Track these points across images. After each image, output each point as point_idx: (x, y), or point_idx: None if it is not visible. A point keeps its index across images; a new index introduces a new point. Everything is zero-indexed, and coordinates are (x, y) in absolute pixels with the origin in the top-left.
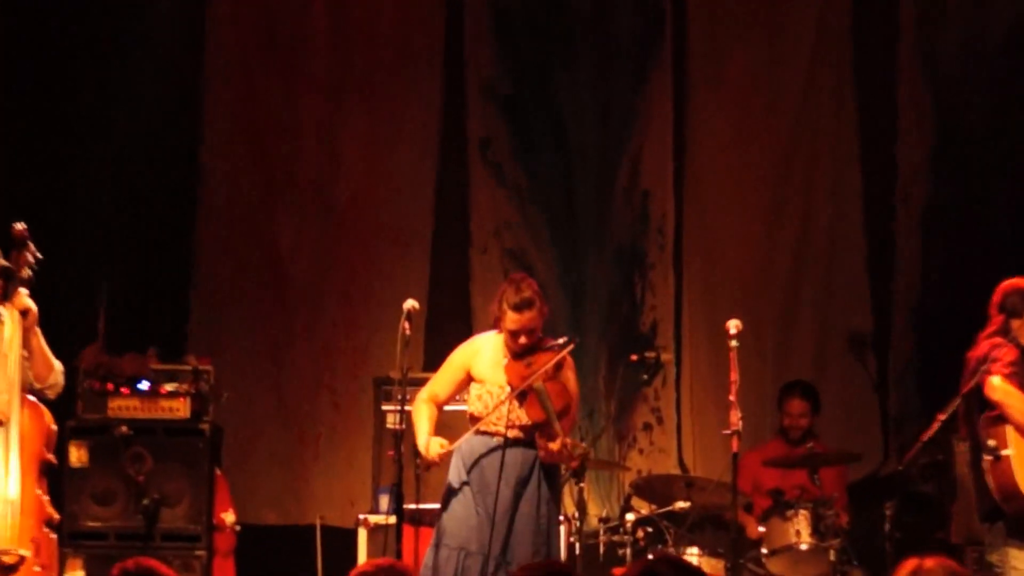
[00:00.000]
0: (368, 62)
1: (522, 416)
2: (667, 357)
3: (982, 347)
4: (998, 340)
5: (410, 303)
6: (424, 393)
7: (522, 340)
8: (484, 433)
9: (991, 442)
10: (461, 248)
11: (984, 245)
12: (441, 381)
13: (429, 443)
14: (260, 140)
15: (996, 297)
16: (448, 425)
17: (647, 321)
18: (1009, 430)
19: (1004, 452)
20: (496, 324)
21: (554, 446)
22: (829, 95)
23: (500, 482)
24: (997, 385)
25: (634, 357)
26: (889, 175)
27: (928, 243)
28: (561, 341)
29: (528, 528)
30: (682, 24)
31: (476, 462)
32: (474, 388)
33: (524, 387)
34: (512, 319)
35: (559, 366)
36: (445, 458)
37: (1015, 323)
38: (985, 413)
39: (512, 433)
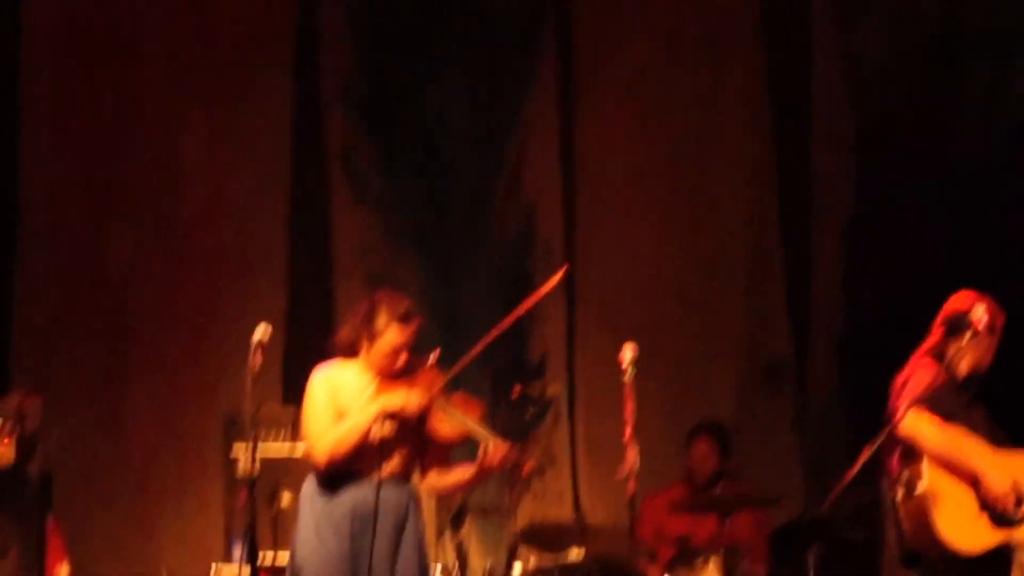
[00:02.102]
0: (209, 68)
1: (405, 450)
2: (555, 390)
3: (907, 369)
4: (924, 361)
5: (261, 330)
6: (318, 438)
7: (404, 358)
8: (350, 471)
9: (905, 474)
10: (323, 274)
11: (916, 260)
12: (325, 420)
13: (399, 394)
14: (88, 154)
15: (943, 310)
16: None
17: (536, 351)
18: (925, 464)
19: (919, 487)
20: (354, 347)
21: (500, 449)
22: (738, 99)
23: (377, 522)
24: (907, 417)
25: (517, 389)
26: (805, 187)
27: (851, 260)
28: (432, 355)
29: (410, 570)
30: (566, 23)
31: (344, 501)
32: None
33: (426, 406)
34: (399, 332)
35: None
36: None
37: (952, 346)
38: (901, 446)
39: (388, 468)
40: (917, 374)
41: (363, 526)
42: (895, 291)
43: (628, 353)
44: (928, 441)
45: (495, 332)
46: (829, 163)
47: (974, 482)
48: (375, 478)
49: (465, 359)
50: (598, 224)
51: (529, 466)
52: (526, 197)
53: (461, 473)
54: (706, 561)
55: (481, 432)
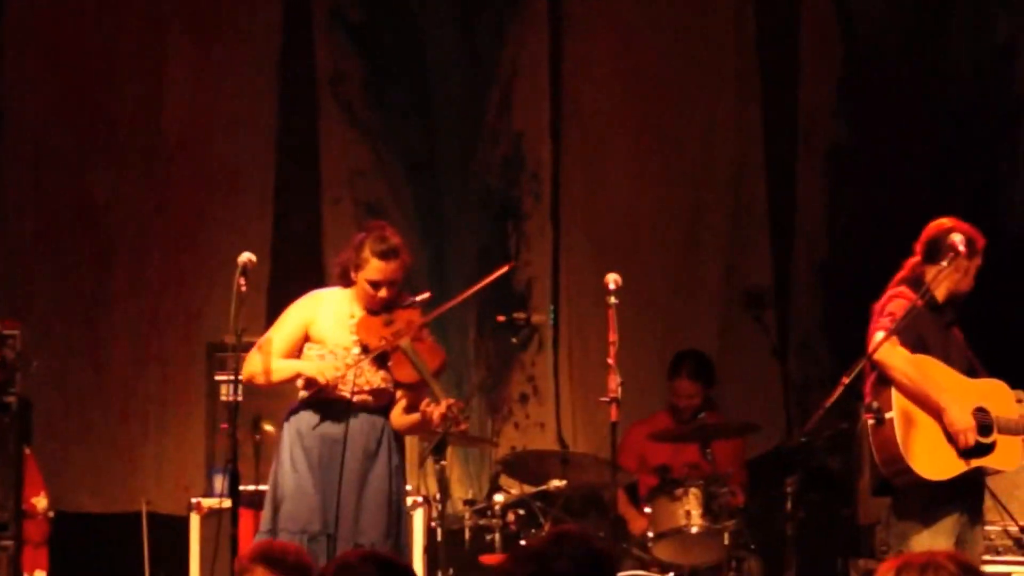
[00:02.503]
0: None
1: (373, 380)
2: (540, 319)
3: (883, 297)
4: (899, 290)
5: (246, 256)
6: (262, 354)
7: (383, 293)
8: (324, 400)
9: (875, 404)
10: (310, 199)
11: (897, 191)
12: (277, 340)
13: (319, 364)
14: (70, 75)
15: (921, 235)
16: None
17: (522, 279)
18: (894, 392)
19: (887, 415)
20: (345, 276)
21: (438, 409)
22: (725, 26)
23: (346, 454)
24: (876, 343)
25: (501, 318)
26: (793, 116)
27: (834, 189)
28: (423, 297)
29: (379, 505)
30: None
31: (315, 432)
32: (311, 350)
33: (387, 346)
34: (376, 268)
35: (426, 324)
36: (340, 377)
37: (930, 270)
38: (875, 373)
39: (359, 398)
40: (891, 303)
41: (331, 454)
42: (878, 219)
43: (611, 282)
44: (896, 372)
45: (458, 299)
46: (815, 91)
47: (939, 414)
48: (347, 408)
49: (436, 312)
50: (584, 152)
51: (465, 427)
52: (515, 124)
53: (414, 418)
54: (686, 490)
55: (430, 385)
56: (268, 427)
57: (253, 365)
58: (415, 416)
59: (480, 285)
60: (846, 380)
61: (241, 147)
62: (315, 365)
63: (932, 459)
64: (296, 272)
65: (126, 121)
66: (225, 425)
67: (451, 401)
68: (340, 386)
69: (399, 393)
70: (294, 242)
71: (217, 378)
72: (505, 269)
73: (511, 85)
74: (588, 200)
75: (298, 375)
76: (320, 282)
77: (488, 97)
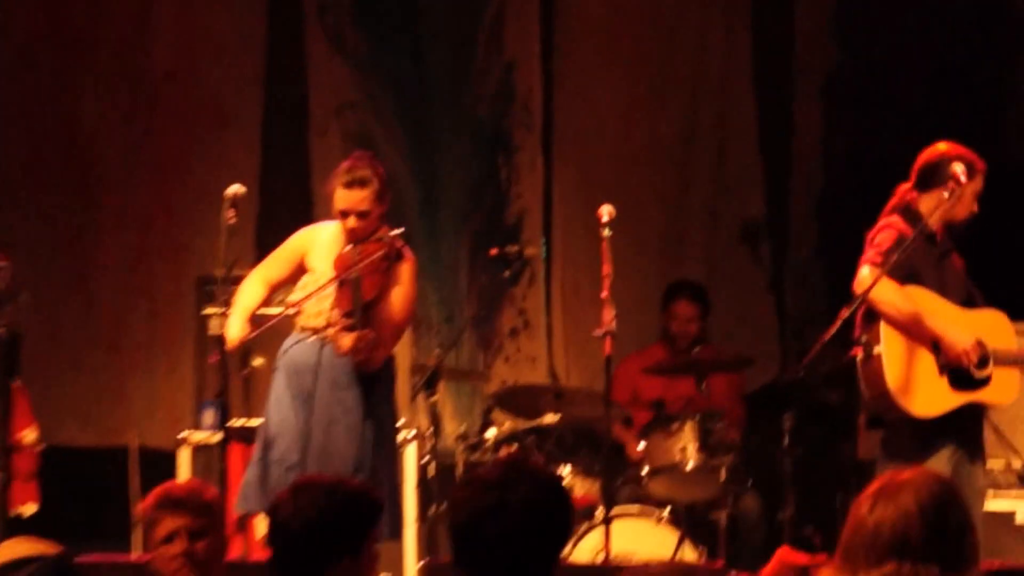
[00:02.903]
0: None
1: (343, 304)
2: (532, 252)
3: (874, 228)
4: (890, 220)
5: (235, 188)
6: (254, 273)
7: (351, 223)
8: (304, 330)
9: (863, 337)
10: (298, 130)
11: (897, 116)
12: (274, 262)
13: (232, 323)
14: (56, 8)
15: (916, 161)
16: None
17: (513, 212)
18: (883, 325)
19: (876, 349)
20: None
21: (344, 342)
22: None
23: (316, 384)
24: (863, 276)
25: (494, 252)
26: (786, 42)
27: (831, 118)
28: (396, 232)
29: (346, 439)
30: None
31: (292, 362)
32: (303, 280)
33: (343, 276)
34: (340, 197)
35: (391, 258)
36: (244, 342)
37: (924, 198)
38: (864, 306)
39: (332, 331)
40: (880, 234)
41: (303, 385)
42: (877, 146)
43: (605, 213)
44: (884, 305)
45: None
46: (811, 13)
47: (934, 345)
48: (319, 338)
49: (376, 254)
50: (575, 82)
51: (361, 356)
52: (505, 54)
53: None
54: (682, 425)
55: (353, 318)
56: (257, 361)
57: (242, 285)
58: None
59: (378, 253)
60: (845, 313)
61: (229, 77)
62: (230, 326)
63: (923, 394)
64: (285, 204)
65: (112, 50)
66: (214, 358)
67: (359, 334)
68: (315, 316)
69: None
70: (283, 174)
71: (206, 311)
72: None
73: (502, 14)
74: (579, 131)
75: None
76: (308, 214)
77: (478, 27)
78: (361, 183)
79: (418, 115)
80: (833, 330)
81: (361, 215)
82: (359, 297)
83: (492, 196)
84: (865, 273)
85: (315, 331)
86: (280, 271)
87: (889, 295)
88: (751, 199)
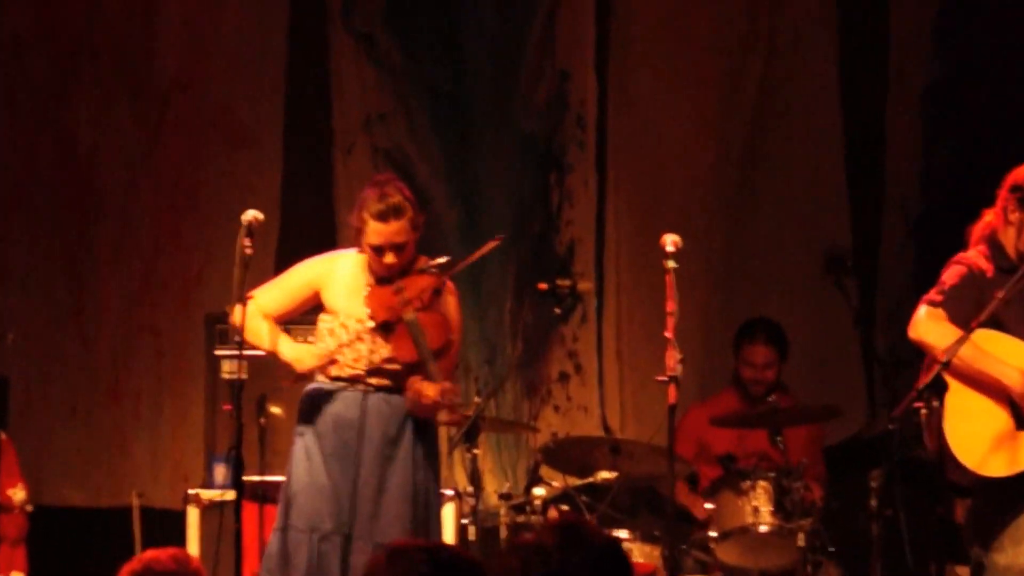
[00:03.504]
0: None
1: (385, 353)
2: (586, 286)
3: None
4: (963, 254)
5: (252, 214)
6: (251, 305)
7: (388, 259)
8: (337, 379)
9: (926, 390)
10: (322, 147)
11: (1003, 133)
12: (278, 293)
13: (299, 349)
14: (52, 8)
15: (1006, 180)
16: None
17: (564, 239)
18: (947, 374)
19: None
20: (357, 240)
21: (429, 392)
22: None
23: (363, 441)
24: (918, 317)
25: (543, 286)
26: (879, 47)
27: (930, 132)
28: (440, 261)
29: (401, 500)
30: None
31: (327, 417)
32: (323, 322)
33: (391, 318)
34: (374, 231)
35: (438, 291)
36: (324, 365)
37: (1006, 226)
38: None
39: (375, 380)
40: (948, 270)
41: (346, 441)
42: (981, 167)
43: (669, 243)
44: (940, 351)
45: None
46: (909, 20)
47: (1006, 396)
48: (361, 388)
49: (426, 290)
50: (631, 96)
51: (456, 418)
52: (558, 58)
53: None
54: (754, 483)
55: (426, 368)
56: (276, 409)
57: (237, 313)
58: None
59: (472, 259)
60: (943, 357)
61: (246, 88)
62: (296, 349)
63: (991, 451)
64: (307, 231)
65: (114, 57)
66: (227, 406)
67: (446, 385)
68: (352, 363)
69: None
70: (305, 197)
71: (218, 353)
72: (492, 245)
73: (554, 15)
74: (636, 150)
75: (272, 353)
76: (333, 241)
77: (528, 27)
78: (396, 213)
79: (458, 128)
80: (930, 377)
81: (399, 248)
82: (424, 342)
83: (541, 222)
84: (921, 314)
85: (353, 380)
86: (283, 305)
87: (943, 339)
88: (835, 225)
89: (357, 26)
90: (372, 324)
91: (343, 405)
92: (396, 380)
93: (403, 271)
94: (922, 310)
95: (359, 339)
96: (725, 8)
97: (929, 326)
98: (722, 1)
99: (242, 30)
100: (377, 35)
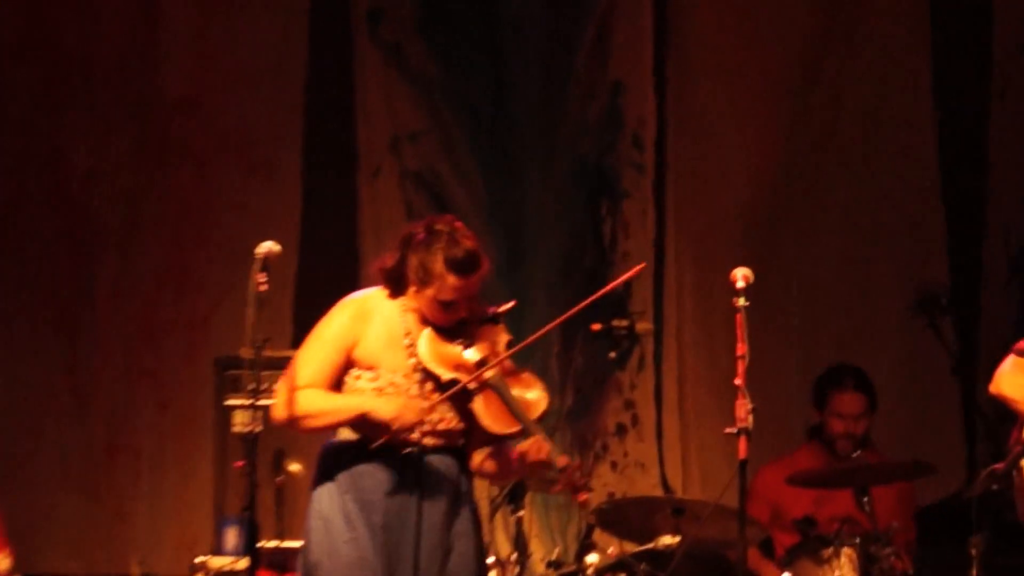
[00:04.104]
0: None
1: (448, 418)
2: (645, 327)
3: None
4: None
5: (267, 246)
6: (299, 394)
7: (460, 313)
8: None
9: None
10: (345, 171)
11: None
12: (314, 367)
13: (392, 402)
14: (44, 26)
15: None
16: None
17: (620, 275)
18: None
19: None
20: (401, 281)
21: (550, 472)
22: None
23: (422, 507)
24: (1001, 371)
25: (597, 327)
26: (980, 62)
27: None
28: (504, 308)
29: (466, 571)
30: None
31: (374, 484)
32: (360, 380)
33: (472, 382)
34: (451, 286)
35: (511, 344)
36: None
37: None
38: None
39: (429, 441)
40: None
41: (401, 512)
42: None
43: (740, 278)
44: (1020, 406)
45: (565, 316)
46: (1014, 31)
47: None
48: (414, 447)
49: (530, 338)
50: (693, 117)
51: (585, 497)
52: (611, 71)
53: (505, 465)
54: (837, 551)
55: (533, 436)
56: (294, 467)
57: (296, 400)
58: (508, 471)
59: (606, 290)
60: None
61: (261, 106)
62: (387, 404)
63: None
64: (330, 264)
65: (111, 75)
66: (239, 463)
67: (575, 462)
68: None
69: (476, 434)
70: (326, 228)
71: (229, 403)
72: (638, 270)
73: (607, 20)
74: (699, 176)
75: (361, 416)
76: (356, 278)
77: (579, 35)
78: (476, 264)
79: (499, 149)
80: None
81: (472, 300)
82: (521, 409)
83: (593, 254)
84: (1005, 366)
85: (407, 443)
86: (326, 377)
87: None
88: (930, 260)
89: (386, 35)
90: (419, 377)
91: (393, 466)
92: (451, 441)
93: (468, 321)
94: (1008, 361)
95: (443, 398)
96: (789, 23)
97: (1011, 379)
98: (794, 21)
99: (257, 42)
100: (408, 45)
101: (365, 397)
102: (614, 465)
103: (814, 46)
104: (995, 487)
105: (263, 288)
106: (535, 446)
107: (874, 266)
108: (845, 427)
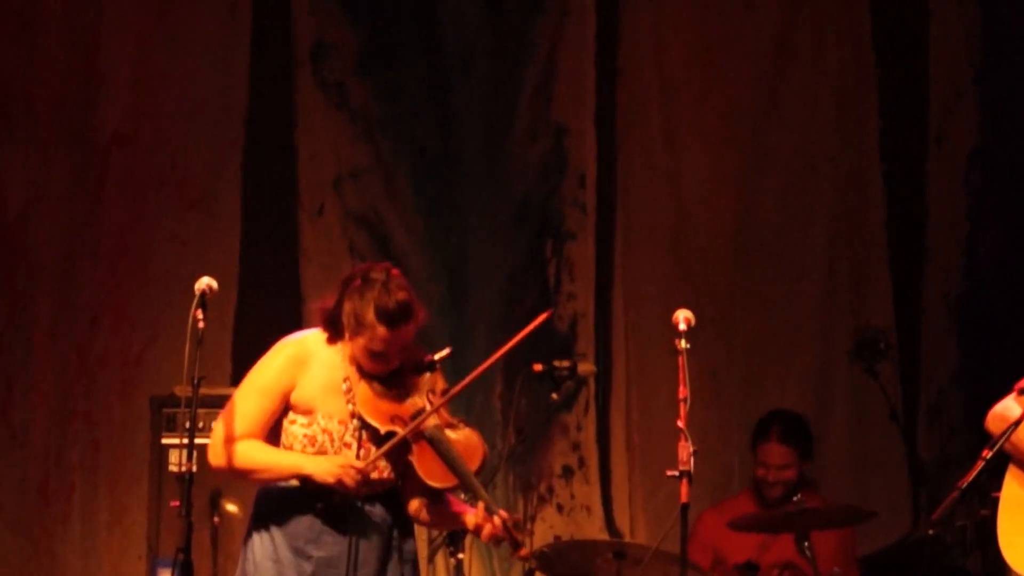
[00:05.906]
0: None
1: (385, 470)
2: (588, 368)
3: None
4: None
5: (205, 282)
6: (237, 445)
7: (392, 365)
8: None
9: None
10: (286, 208)
11: None
12: (251, 418)
13: (333, 463)
14: None
15: None
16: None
17: (566, 315)
18: (1011, 470)
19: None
20: (338, 327)
21: (489, 524)
22: None
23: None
24: (997, 409)
25: (539, 367)
26: (918, 107)
27: (977, 202)
28: (440, 355)
29: None
30: None
31: (308, 531)
32: (295, 424)
33: (407, 434)
34: (379, 337)
35: (446, 391)
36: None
37: None
38: None
39: (363, 490)
40: None
41: (333, 560)
42: None
43: (682, 320)
44: (1007, 444)
45: (487, 363)
46: (950, 79)
47: None
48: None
49: (459, 386)
50: (643, 155)
51: (525, 553)
52: (554, 113)
53: (442, 514)
54: None
55: (473, 491)
56: (231, 507)
57: (232, 449)
58: (445, 515)
59: (516, 340)
60: (987, 454)
61: (200, 141)
62: (324, 466)
63: None
64: (270, 302)
65: (48, 110)
66: (175, 503)
67: (507, 515)
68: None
69: (409, 483)
70: (268, 264)
71: (164, 441)
72: (543, 318)
73: (553, 60)
74: (648, 215)
75: (296, 475)
76: (298, 316)
77: (523, 78)
78: (407, 315)
79: (442, 189)
80: (972, 475)
81: (404, 350)
82: (460, 462)
83: (536, 295)
84: (999, 404)
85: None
86: (270, 420)
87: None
88: (873, 304)
89: (328, 73)
90: (356, 424)
91: (328, 518)
92: (387, 488)
93: (400, 367)
94: (1007, 399)
95: (345, 446)
96: (749, 57)
97: (999, 416)
98: (748, 60)
99: (197, 77)
100: (351, 83)
101: (304, 457)
102: (560, 507)
103: (768, 90)
104: (932, 532)
105: (201, 325)
106: (488, 528)
107: (823, 310)
108: (770, 476)
